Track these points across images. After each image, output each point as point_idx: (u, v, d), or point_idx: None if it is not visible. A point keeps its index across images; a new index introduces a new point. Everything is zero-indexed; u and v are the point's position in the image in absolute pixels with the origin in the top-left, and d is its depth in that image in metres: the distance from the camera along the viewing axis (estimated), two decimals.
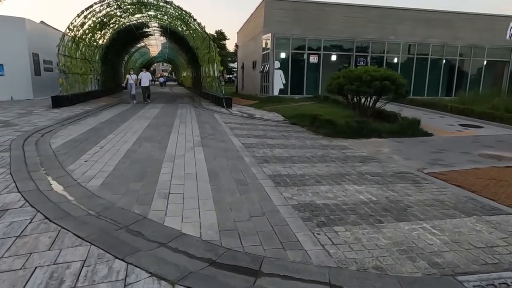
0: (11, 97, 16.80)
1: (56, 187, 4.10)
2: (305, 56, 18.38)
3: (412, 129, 9.21)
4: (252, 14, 21.43)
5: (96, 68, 19.74)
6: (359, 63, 18.64)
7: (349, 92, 9.63)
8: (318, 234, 3.08)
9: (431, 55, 20.26)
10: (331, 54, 18.93)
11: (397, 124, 9.51)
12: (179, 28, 19.61)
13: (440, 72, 20.72)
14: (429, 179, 4.94)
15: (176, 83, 58.26)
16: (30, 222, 3.09)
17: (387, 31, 19.13)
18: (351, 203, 3.88)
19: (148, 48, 36.41)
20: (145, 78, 16.63)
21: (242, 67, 26.03)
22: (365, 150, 7.00)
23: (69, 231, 2.92)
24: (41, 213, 3.29)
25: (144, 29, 23.20)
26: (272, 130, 9.29)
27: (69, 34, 14.15)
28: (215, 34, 48.65)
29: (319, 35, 18.19)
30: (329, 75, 18.86)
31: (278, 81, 17.92)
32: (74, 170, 4.79)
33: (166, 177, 4.61)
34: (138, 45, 31.30)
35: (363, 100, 10.25)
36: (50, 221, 3.12)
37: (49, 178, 4.42)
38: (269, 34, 17.45)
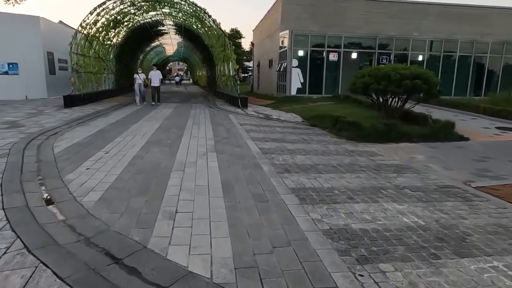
0: (26, 96, 16.68)
1: (48, 202, 3.56)
2: (324, 54, 17.55)
3: (445, 132, 8.37)
4: (268, 11, 20.75)
5: (110, 67, 19.47)
6: (381, 61, 17.71)
7: (376, 92, 8.85)
8: (361, 275, 2.41)
9: (459, 52, 19.08)
10: (351, 52, 18.02)
11: (428, 127, 8.68)
12: (194, 26, 19.12)
13: (469, 71, 19.51)
14: (481, 196, 4.18)
15: (191, 81, 58.18)
16: (3, 253, 2.53)
17: (410, 27, 18.10)
18: (395, 228, 3.18)
19: (163, 47, 36.23)
20: (155, 77, 14.90)
21: (258, 65, 25.37)
22: (396, 157, 6.25)
23: (48, 268, 2.35)
24: (20, 239, 2.74)
25: (159, 27, 22.86)
26: (290, 133, 8.61)
27: (82, 32, 13.81)
28: (230, 33, 48.17)
29: (339, 32, 17.33)
30: (350, 74, 18.05)
31: (296, 80, 17.17)
32: (72, 181, 4.25)
33: (173, 190, 4.01)
34: (153, 44, 31.10)
35: (390, 100, 9.45)
36: (29, 251, 2.56)
37: (42, 190, 3.89)
38: (287, 31, 16.72)
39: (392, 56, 18.04)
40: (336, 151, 6.60)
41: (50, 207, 3.44)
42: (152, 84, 14.84)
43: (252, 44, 27.17)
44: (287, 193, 4.04)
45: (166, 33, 25.51)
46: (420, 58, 18.81)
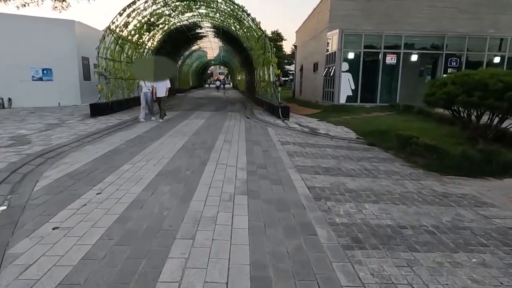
0: (58, 103, 16.18)
1: None
2: (380, 56, 15.16)
3: None
4: (314, 10, 18.78)
5: None
6: (450, 63, 15.00)
7: (465, 105, 6.61)
8: None
9: None
10: (412, 54, 15.46)
11: None
12: (232, 28, 17.69)
13: None
14: None
15: (231, 86, 57.51)
16: None
17: (485, 23, 15.20)
18: None
19: (203, 51, 35.52)
20: (161, 85, 11.23)
21: (301, 69, 23.40)
22: None
23: None
24: None
25: (197, 30, 21.76)
26: (346, 158, 6.64)
27: (111, 35, 12.80)
28: (271, 35, 46.65)
29: (398, 30, 14.89)
30: (410, 79, 15.61)
31: (346, 86, 14.96)
32: (17, 258, 2.70)
33: None
34: (193, 48, 30.31)
35: (477, 115, 7.14)
36: None
37: None
38: (336, 31, 14.62)
39: (463, 58, 15.21)
40: (419, 195, 4.56)
41: None
42: (157, 95, 11.33)
43: (295, 46, 25.30)
44: None
45: (205, 36, 24.44)
46: (496, 60, 15.76)
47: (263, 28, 12.79)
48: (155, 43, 18.24)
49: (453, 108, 7.05)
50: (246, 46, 19.38)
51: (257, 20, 12.67)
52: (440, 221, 3.70)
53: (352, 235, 3.26)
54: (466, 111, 7.13)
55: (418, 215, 3.84)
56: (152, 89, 11.26)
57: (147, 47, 17.45)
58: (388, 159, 6.72)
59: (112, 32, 12.61)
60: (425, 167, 6.04)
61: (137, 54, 16.10)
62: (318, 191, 4.52)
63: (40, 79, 15.87)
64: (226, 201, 4.06)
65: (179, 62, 30.85)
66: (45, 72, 15.91)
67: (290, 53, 54.71)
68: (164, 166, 5.54)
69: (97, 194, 4.19)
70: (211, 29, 21.29)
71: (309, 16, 20.40)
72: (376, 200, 4.28)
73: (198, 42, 27.13)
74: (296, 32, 25.67)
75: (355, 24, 14.95)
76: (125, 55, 14.66)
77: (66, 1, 19.25)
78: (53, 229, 3.22)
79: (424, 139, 6.77)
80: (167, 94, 11.45)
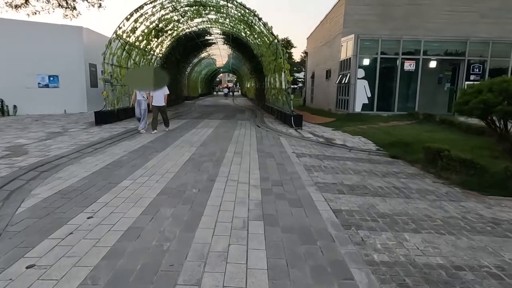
0: (64, 111, 15.83)
1: None
2: (398, 62, 14.44)
3: None
4: (327, 15, 18.22)
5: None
6: (473, 70, 14.22)
7: (507, 115, 5.88)
8: None
9: None
10: (431, 60, 14.70)
11: None
12: (242, 34, 17.22)
13: None
14: None
15: (239, 93, 57.21)
16: None
17: (507, 28, 14.42)
18: None
19: (213, 58, 35.25)
20: (159, 94, 9.88)
21: (312, 76, 22.78)
22: None
23: None
24: None
25: (206, 37, 21.38)
26: (370, 173, 5.95)
27: (118, 41, 12.39)
28: (281, 42, 46.26)
29: (417, 35, 14.17)
30: (429, 86, 14.83)
31: (362, 94, 14.25)
32: None
33: None
34: (202, 55, 30.01)
35: None
36: None
37: None
38: (352, 36, 13.99)
39: (487, 65, 14.41)
40: (465, 221, 3.85)
41: None
42: (154, 104, 9.93)
43: (306, 53, 24.73)
44: None
45: (214, 43, 24.07)
46: None
47: (274, 34, 12.24)
48: (163, 49, 17.84)
49: (491, 118, 6.33)
50: (256, 53, 18.89)
51: (269, 25, 12.13)
52: (502, 259, 2.99)
53: (398, 280, 2.58)
54: (503, 121, 6.41)
55: (473, 250, 3.14)
56: (148, 97, 10.06)
57: (155, 53, 17.05)
58: (417, 175, 6.02)
59: (119, 38, 12.19)
60: (461, 185, 5.33)
61: (144, 60, 15.70)
62: (346, 216, 3.85)
63: (46, 86, 15.57)
64: (239, 229, 3.42)
65: (188, 69, 30.58)
66: (51, 79, 15.61)
67: (299, 60, 54.29)
68: (168, 183, 4.93)
69: (88, 218, 3.59)
70: (221, 36, 20.89)
71: (321, 22, 19.85)
72: (416, 228, 3.59)
73: (207, 49, 26.79)
74: (307, 38, 25.13)
75: (370, 29, 14.32)
76: (132, 61, 14.24)
77: (76, 9, 19.11)
78: (27, 268, 2.61)
79: (456, 152, 6.06)
80: (165, 103, 10.21)
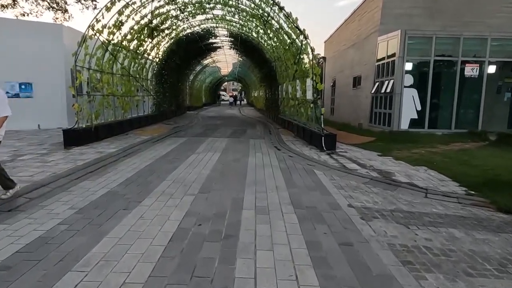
0: (38, 126, 13.05)
1: None
2: (456, 66, 11.37)
3: None
4: (354, 12, 15.41)
5: (147, 87, 15.37)
6: None
7: None
8: None
9: None
10: (489, 63, 11.70)
11: None
12: (253, 34, 14.47)
13: None
14: None
15: (245, 102, 54.51)
16: None
17: None
18: None
19: (217, 66, 32.68)
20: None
21: (333, 85, 19.89)
22: None
23: None
24: None
25: (210, 40, 18.66)
26: (507, 259, 2.97)
27: (96, 37, 9.59)
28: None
29: (483, 32, 11.15)
30: (488, 97, 11.81)
31: (410, 106, 11.18)
32: None
33: None
34: (206, 61, 27.35)
35: None
36: None
37: None
38: (396, 33, 11.01)
39: None
40: None
41: None
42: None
43: (323, 58, 21.88)
44: None
45: (219, 47, 21.36)
46: None
47: (300, 28, 9.36)
48: (160, 52, 15.09)
49: None
50: (269, 57, 16.12)
51: (293, 16, 9.22)
52: None
53: None
54: None
55: None
56: None
57: (150, 56, 14.29)
58: None
59: (97, 33, 9.38)
60: None
61: (136, 65, 12.93)
62: None
63: (17, 95, 12.82)
64: None
65: (191, 77, 27.90)
66: (23, 87, 12.87)
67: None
68: None
69: None
70: (227, 38, 18.16)
71: (345, 21, 17.04)
72: None
73: (212, 54, 24.10)
74: (324, 42, 22.34)
75: (415, 25, 11.45)
76: (119, 65, 11.46)
77: (68, 12, 16.55)
78: None
79: None
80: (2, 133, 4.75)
